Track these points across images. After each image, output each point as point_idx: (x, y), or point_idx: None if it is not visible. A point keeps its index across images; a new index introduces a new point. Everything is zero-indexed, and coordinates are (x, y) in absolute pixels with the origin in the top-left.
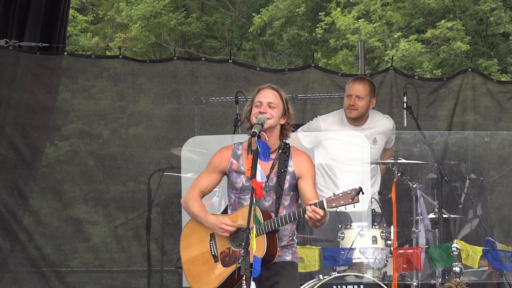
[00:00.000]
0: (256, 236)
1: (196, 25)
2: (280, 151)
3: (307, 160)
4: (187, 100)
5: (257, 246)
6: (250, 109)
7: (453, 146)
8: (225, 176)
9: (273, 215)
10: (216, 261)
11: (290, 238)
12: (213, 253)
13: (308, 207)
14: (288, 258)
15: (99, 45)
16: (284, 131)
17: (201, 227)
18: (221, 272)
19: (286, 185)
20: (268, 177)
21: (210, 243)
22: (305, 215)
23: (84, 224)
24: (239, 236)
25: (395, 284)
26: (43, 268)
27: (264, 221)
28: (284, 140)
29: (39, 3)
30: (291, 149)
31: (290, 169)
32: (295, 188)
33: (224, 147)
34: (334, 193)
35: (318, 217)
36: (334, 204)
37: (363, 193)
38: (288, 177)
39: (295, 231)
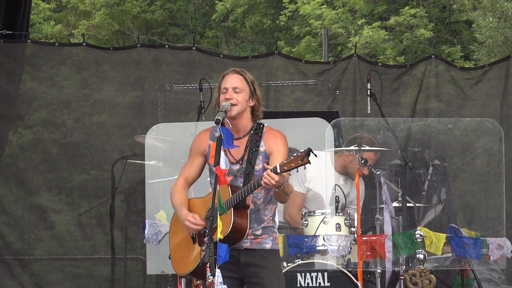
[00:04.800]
0: (225, 212)
1: (159, 13)
2: (252, 132)
3: (277, 136)
4: (151, 88)
5: (224, 221)
6: (218, 95)
7: (417, 133)
8: None
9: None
10: (194, 242)
11: (271, 219)
12: (192, 235)
13: (264, 173)
14: (268, 245)
15: (63, 33)
16: (255, 113)
17: None
18: (198, 252)
19: (260, 166)
20: (242, 159)
21: None
22: (262, 182)
23: (48, 212)
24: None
25: (360, 271)
26: (7, 257)
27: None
28: (257, 121)
29: None
30: (264, 129)
31: (261, 149)
32: None
33: (202, 130)
34: (288, 157)
35: (273, 182)
36: (286, 168)
37: (314, 154)
38: (260, 157)
39: (276, 212)
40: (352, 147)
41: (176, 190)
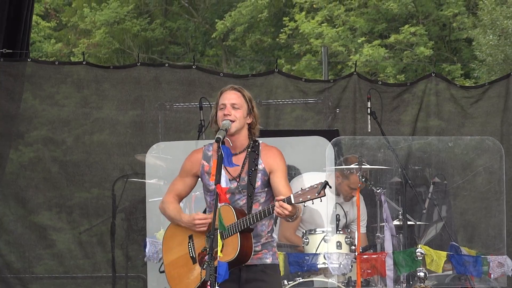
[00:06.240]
0: (229, 236)
1: (159, 31)
2: (249, 149)
3: (276, 154)
4: (151, 106)
5: (231, 246)
6: (215, 112)
7: (417, 151)
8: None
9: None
10: (194, 262)
11: (269, 234)
12: (191, 254)
13: (276, 203)
14: (269, 260)
15: (63, 51)
16: (252, 130)
17: (180, 230)
18: (199, 273)
19: (259, 183)
20: (239, 176)
21: (188, 245)
22: (274, 211)
23: (48, 230)
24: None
25: None
26: (7, 275)
27: (237, 219)
28: (253, 138)
29: (1, 9)
30: (260, 147)
31: (260, 166)
32: (268, 184)
33: (194, 150)
34: (301, 188)
35: (287, 212)
36: (301, 199)
37: (330, 186)
38: (259, 174)
39: (274, 227)
40: (352, 165)
41: (170, 201)
